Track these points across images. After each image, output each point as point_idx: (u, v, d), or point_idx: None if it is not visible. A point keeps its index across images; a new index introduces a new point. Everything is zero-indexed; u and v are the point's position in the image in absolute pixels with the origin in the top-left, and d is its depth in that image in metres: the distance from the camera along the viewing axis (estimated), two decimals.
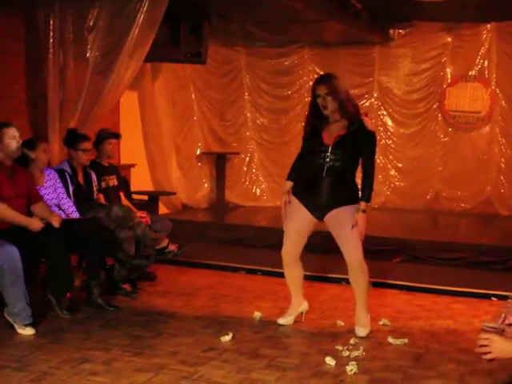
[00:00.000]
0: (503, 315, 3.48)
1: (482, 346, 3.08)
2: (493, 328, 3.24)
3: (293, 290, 5.69)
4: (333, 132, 5.29)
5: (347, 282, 6.79)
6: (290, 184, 5.52)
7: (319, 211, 5.37)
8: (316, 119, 5.35)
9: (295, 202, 5.44)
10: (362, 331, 5.40)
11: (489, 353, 3.06)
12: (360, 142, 5.28)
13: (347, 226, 5.27)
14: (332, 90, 5.21)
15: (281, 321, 5.67)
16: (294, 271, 5.60)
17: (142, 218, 6.58)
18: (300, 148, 5.58)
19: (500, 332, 3.25)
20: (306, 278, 6.91)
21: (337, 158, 5.24)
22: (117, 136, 7.05)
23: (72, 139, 6.54)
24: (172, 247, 6.69)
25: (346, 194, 5.33)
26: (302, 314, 5.78)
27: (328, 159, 5.25)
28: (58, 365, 4.52)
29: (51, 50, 7.13)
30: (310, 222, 5.44)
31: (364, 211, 5.30)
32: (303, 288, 5.77)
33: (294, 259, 5.53)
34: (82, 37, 7.16)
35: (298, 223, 5.44)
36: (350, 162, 5.33)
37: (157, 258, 6.73)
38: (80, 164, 6.54)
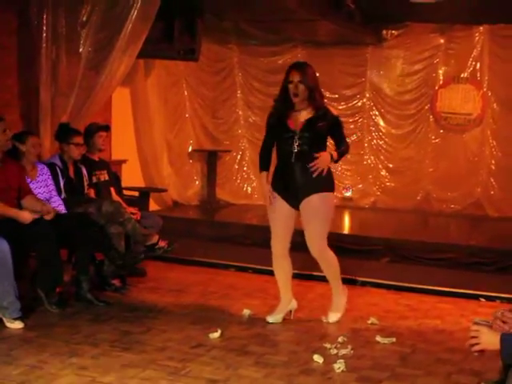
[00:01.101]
0: (500, 313, 3.51)
1: (472, 337, 3.13)
2: (484, 322, 3.29)
3: (282, 288, 5.74)
4: (299, 118, 5.43)
5: None
6: (265, 174, 5.63)
7: (294, 200, 5.49)
8: (283, 105, 5.46)
9: (274, 195, 5.55)
10: (332, 316, 5.69)
11: (477, 344, 3.10)
12: (326, 125, 5.43)
13: (312, 215, 5.42)
14: (305, 78, 5.35)
15: (270, 319, 5.69)
16: (283, 266, 5.70)
17: (132, 214, 6.59)
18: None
19: (490, 326, 3.30)
20: (295, 276, 6.95)
21: (304, 142, 5.37)
22: (106, 128, 7.05)
23: (64, 133, 6.54)
24: (162, 244, 6.67)
25: (317, 182, 5.42)
26: (290, 311, 5.81)
27: (296, 143, 5.39)
28: (46, 359, 4.53)
29: (44, 45, 7.10)
30: (291, 213, 5.55)
31: (331, 155, 5.41)
32: (291, 286, 5.80)
33: (282, 254, 5.64)
34: (75, 32, 7.14)
35: (280, 217, 5.56)
36: (318, 144, 5.44)
37: (146, 254, 6.73)
38: (71, 158, 6.53)
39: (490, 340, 3.10)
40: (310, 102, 5.40)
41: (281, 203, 5.53)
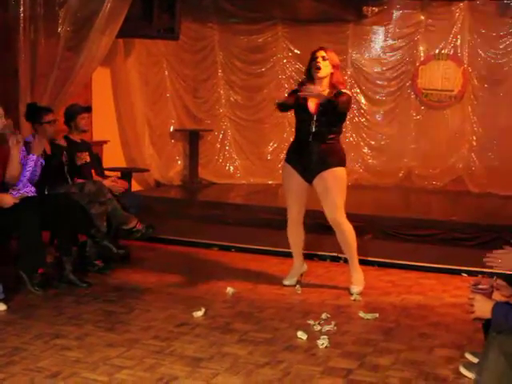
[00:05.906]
0: (493, 283, 3.51)
1: (470, 305, 3.15)
2: (480, 289, 3.30)
3: (295, 253, 6.20)
4: (317, 101, 5.71)
5: (319, 257, 6.89)
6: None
7: (308, 175, 5.82)
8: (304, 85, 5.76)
9: (289, 169, 5.94)
10: (354, 288, 5.92)
11: (473, 312, 3.12)
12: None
13: (329, 189, 5.74)
14: (329, 56, 5.82)
15: (285, 282, 6.15)
16: (297, 232, 6.10)
17: (121, 186, 6.66)
18: None
19: (488, 294, 3.30)
20: (278, 254, 6.99)
21: (322, 124, 5.75)
22: (88, 109, 6.97)
23: (34, 113, 6.42)
24: (140, 227, 6.59)
25: (331, 158, 5.80)
26: (301, 275, 6.27)
27: (314, 125, 5.74)
28: (30, 340, 4.52)
29: (22, 25, 7.01)
30: (305, 186, 5.92)
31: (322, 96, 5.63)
32: (302, 251, 6.22)
33: (297, 224, 6.06)
34: (53, 12, 7.07)
35: (295, 191, 5.95)
36: (334, 125, 5.84)
37: (125, 236, 6.69)
38: (47, 137, 6.43)
39: (482, 308, 3.12)
40: (331, 80, 5.77)
41: (295, 176, 5.89)
